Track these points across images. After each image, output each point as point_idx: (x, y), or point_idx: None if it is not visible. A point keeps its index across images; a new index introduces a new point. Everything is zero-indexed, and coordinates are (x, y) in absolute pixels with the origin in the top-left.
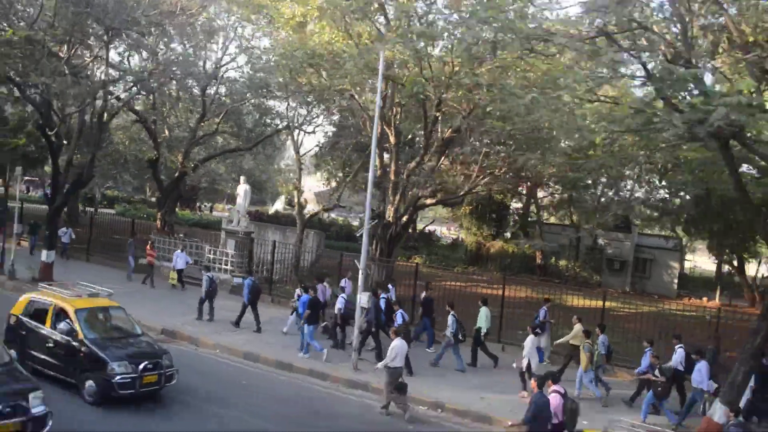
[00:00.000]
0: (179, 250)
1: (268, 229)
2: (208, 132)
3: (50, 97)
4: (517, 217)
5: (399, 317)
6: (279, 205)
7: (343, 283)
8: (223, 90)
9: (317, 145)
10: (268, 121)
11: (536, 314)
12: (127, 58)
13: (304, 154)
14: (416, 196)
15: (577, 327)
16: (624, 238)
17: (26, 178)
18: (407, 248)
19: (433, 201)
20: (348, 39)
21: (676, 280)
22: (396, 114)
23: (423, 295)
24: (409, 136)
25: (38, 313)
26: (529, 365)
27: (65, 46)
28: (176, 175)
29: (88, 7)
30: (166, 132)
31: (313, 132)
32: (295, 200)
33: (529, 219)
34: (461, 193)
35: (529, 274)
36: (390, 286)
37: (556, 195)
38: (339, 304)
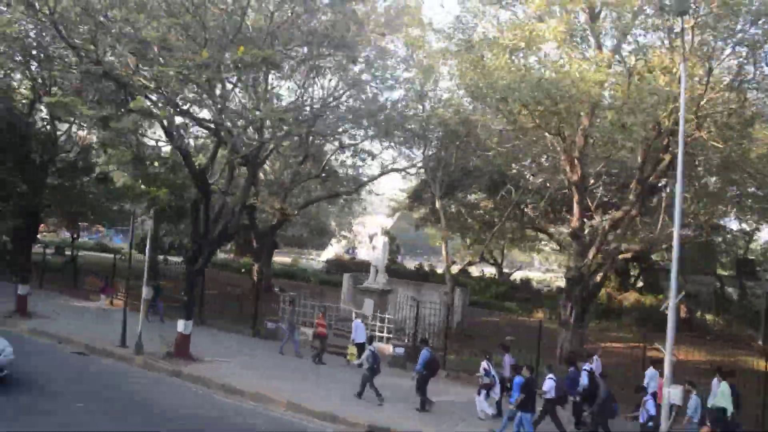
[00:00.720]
0: (359, 320)
1: (398, 285)
2: (310, 176)
3: (223, 137)
4: (644, 266)
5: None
6: (336, 249)
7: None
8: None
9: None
10: (360, 162)
11: None
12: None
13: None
14: (618, 249)
15: None
16: (755, 286)
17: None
18: (501, 297)
19: (628, 255)
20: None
21: None
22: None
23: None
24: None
25: None
26: None
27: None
28: (275, 222)
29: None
30: (262, 175)
31: (415, 173)
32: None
33: (661, 266)
34: (663, 246)
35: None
36: (595, 356)
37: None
38: (546, 386)
